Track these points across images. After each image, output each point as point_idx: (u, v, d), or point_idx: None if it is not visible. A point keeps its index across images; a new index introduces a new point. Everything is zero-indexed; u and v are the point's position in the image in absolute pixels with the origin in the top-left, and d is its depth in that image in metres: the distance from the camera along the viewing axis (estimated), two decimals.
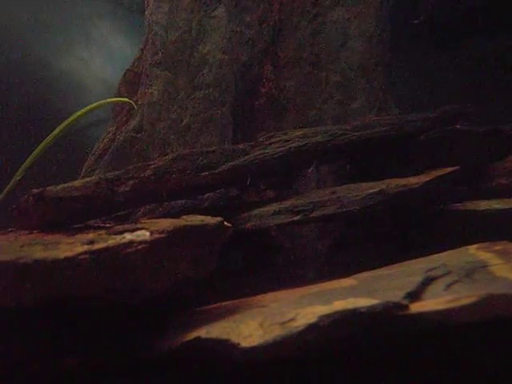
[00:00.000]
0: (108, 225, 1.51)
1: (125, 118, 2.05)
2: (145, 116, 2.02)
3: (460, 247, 1.39)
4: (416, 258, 1.41)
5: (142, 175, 1.50)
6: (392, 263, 1.43)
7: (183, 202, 1.86)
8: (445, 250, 1.40)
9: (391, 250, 1.62)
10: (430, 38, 2.51)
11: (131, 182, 1.48)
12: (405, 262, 1.40)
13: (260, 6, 2.16)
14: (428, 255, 1.41)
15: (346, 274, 1.43)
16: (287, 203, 1.61)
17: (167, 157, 1.59)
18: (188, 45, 2.07)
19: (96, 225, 1.49)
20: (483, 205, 1.57)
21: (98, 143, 2.08)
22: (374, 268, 1.44)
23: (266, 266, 1.80)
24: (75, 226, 1.42)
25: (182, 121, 2.01)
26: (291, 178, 1.86)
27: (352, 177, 1.85)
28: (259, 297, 1.41)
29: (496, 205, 1.54)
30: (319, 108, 2.11)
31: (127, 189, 1.48)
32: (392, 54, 2.24)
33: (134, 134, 2.02)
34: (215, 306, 1.42)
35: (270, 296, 1.38)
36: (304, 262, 1.92)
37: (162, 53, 2.05)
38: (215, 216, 1.39)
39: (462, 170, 1.67)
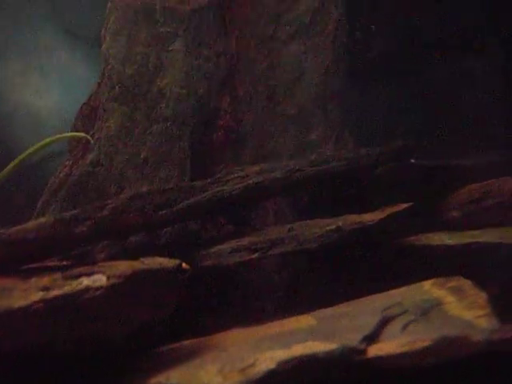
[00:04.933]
0: (65, 263, 1.49)
1: (81, 153, 2.02)
2: (102, 150, 2.00)
3: (416, 282, 1.42)
4: (373, 293, 1.44)
5: (99, 215, 1.48)
6: (350, 299, 1.45)
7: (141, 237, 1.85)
8: (402, 284, 1.43)
9: (349, 284, 1.63)
10: (385, 71, 2.57)
11: (88, 223, 1.46)
12: (362, 299, 1.43)
13: (217, 40, 2.18)
14: (385, 290, 1.44)
15: (305, 309, 1.45)
16: (245, 241, 1.61)
17: (124, 195, 1.58)
18: (145, 79, 2.06)
19: (52, 264, 1.47)
20: (436, 239, 1.61)
21: (53, 178, 2.04)
22: (331, 303, 1.46)
23: (225, 299, 1.80)
24: (30, 267, 1.40)
25: (139, 155, 2.00)
26: (249, 213, 1.87)
27: (310, 209, 1.88)
28: (219, 336, 1.41)
29: (448, 240, 1.58)
30: (276, 141, 2.13)
31: (84, 229, 1.46)
32: (348, 86, 2.29)
33: (91, 169, 2.00)
34: (175, 345, 1.41)
35: (229, 336, 1.38)
36: (262, 295, 1.93)
37: (119, 87, 2.04)
38: (173, 252, 1.39)
39: (416, 205, 1.71)
